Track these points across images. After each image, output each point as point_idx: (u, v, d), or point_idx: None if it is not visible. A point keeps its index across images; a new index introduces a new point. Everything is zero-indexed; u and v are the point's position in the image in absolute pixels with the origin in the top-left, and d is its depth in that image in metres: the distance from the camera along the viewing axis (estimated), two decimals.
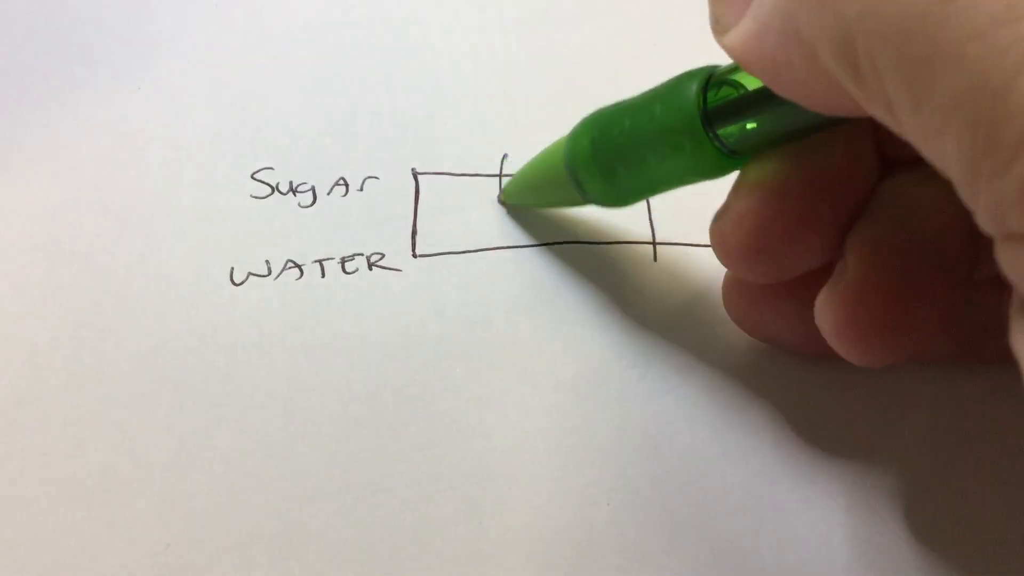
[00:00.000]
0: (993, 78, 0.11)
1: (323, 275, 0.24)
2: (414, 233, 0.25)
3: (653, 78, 0.20)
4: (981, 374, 0.22)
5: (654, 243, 0.25)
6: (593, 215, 0.25)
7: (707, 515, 0.21)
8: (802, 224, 0.19)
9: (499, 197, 0.26)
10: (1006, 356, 0.22)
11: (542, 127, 0.27)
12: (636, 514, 0.21)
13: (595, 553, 0.21)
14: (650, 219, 0.25)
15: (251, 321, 0.24)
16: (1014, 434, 0.22)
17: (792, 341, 0.22)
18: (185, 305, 0.24)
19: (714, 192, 0.20)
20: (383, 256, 0.25)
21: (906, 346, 0.19)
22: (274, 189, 0.26)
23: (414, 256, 0.25)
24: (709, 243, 0.24)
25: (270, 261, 0.25)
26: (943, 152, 0.12)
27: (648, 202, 0.25)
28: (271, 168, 0.26)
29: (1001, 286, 0.20)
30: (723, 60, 0.17)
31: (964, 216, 0.18)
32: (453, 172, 0.26)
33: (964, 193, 0.13)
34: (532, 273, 0.24)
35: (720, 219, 0.20)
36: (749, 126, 0.18)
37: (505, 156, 0.26)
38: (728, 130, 0.18)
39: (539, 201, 0.25)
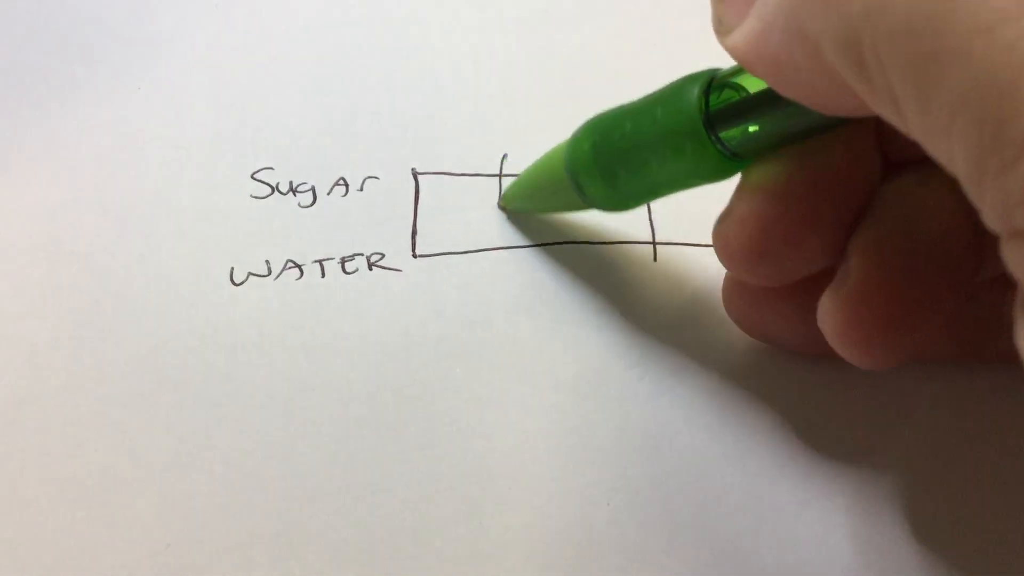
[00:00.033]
0: (1000, 74, 0.11)
1: (323, 275, 0.24)
2: (414, 233, 0.25)
3: (653, 78, 0.20)
4: (981, 374, 0.22)
5: (654, 243, 0.25)
6: (593, 215, 0.25)
7: (707, 515, 0.21)
8: (805, 226, 0.19)
9: (499, 202, 0.25)
10: (1006, 356, 0.22)
11: (542, 127, 0.27)
12: (636, 514, 0.21)
13: (595, 553, 0.21)
14: (650, 219, 0.25)
15: (251, 321, 0.24)
16: (1014, 434, 0.22)
17: (792, 341, 0.22)
18: (185, 305, 0.24)
19: (714, 193, 0.20)
20: (383, 256, 0.25)
21: (909, 348, 0.19)
22: (274, 189, 0.26)
23: (414, 256, 0.25)
24: (709, 243, 0.24)
25: (270, 261, 0.25)
26: (949, 149, 0.12)
27: (648, 203, 0.25)
28: (271, 168, 0.26)
29: (1002, 286, 0.20)
30: (724, 61, 0.17)
31: (967, 217, 0.18)
32: (453, 172, 0.26)
33: (970, 191, 0.13)
34: (532, 273, 0.24)
35: (723, 222, 0.20)
36: (751, 129, 0.18)
37: (505, 156, 0.26)
38: (730, 133, 0.18)
39: (539, 206, 0.25)
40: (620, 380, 0.23)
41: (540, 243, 0.25)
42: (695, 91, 0.18)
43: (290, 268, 0.25)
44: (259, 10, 0.29)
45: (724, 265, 0.20)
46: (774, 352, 0.23)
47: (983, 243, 0.19)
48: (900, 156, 0.19)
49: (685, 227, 0.25)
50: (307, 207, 0.26)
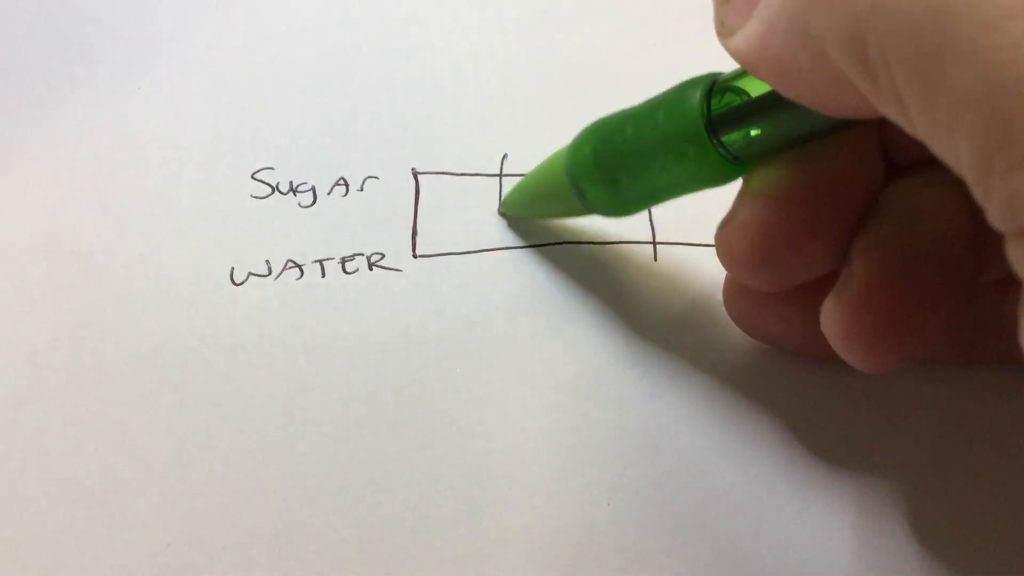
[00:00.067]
0: (1007, 71, 0.11)
1: (323, 275, 0.24)
2: (414, 233, 0.25)
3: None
4: (981, 374, 0.22)
5: (654, 243, 0.25)
6: (593, 217, 0.25)
7: (707, 515, 0.21)
8: (808, 231, 0.19)
9: (499, 209, 0.25)
10: (1006, 356, 0.22)
11: (542, 127, 0.27)
12: (636, 514, 0.21)
13: (595, 553, 0.21)
14: (650, 219, 0.25)
15: (251, 321, 0.24)
16: (1015, 435, 0.22)
17: (793, 342, 0.22)
18: (185, 305, 0.24)
19: (715, 194, 0.20)
20: (383, 256, 0.25)
21: (912, 351, 0.19)
22: (274, 189, 0.26)
23: (414, 256, 0.25)
24: (710, 243, 0.24)
25: (270, 261, 0.25)
26: (955, 148, 0.12)
27: (649, 208, 0.25)
28: (271, 168, 0.26)
29: (1002, 286, 0.20)
30: (724, 62, 0.17)
31: (968, 218, 0.18)
32: (453, 172, 0.26)
33: (976, 190, 0.12)
34: (532, 273, 0.24)
35: (725, 227, 0.20)
36: (753, 133, 0.18)
37: (505, 156, 0.26)
38: (732, 137, 0.18)
39: (540, 212, 0.25)
40: (620, 380, 0.23)
41: (540, 243, 0.25)
42: (697, 95, 0.18)
43: (290, 268, 0.25)
44: (259, 10, 0.29)
45: (727, 270, 0.20)
46: (774, 352, 0.23)
47: (984, 244, 0.19)
48: (902, 159, 0.19)
49: (685, 227, 0.25)
50: (307, 207, 0.26)
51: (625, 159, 0.20)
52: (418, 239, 0.25)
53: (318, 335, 0.24)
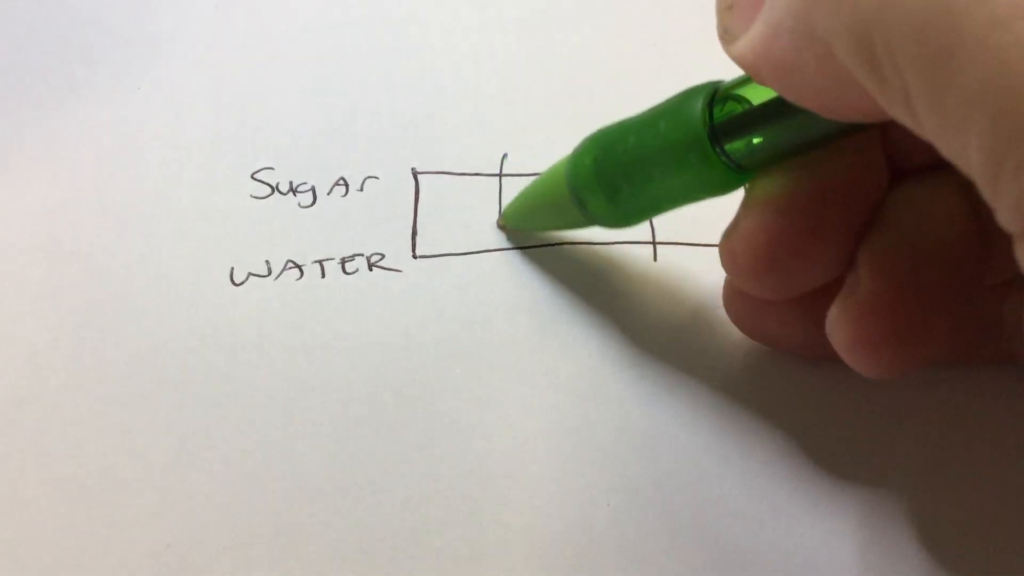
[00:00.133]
0: (1017, 68, 0.11)
1: (323, 275, 0.25)
2: (414, 234, 0.25)
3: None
4: (982, 375, 0.22)
5: (654, 243, 0.25)
6: None
7: (707, 515, 0.21)
8: (813, 238, 0.19)
9: (498, 221, 0.25)
10: (1007, 356, 0.22)
11: (542, 127, 0.27)
12: (636, 514, 0.21)
13: (595, 553, 0.21)
14: (650, 219, 0.25)
15: (251, 321, 0.24)
16: (1016, 434, 0.22)
17: (793, 343, 0.22)
18: (185, 305, 0.24)
19: (715, 198, 0.20)
20: (383, 257, 0.25)
21: (919, 356, 0.18)
22: (274, 189, 0.26)
23: (414, 257, 0.25)
24: (709, 243, 0.24)
25: (270, 261, 0.25)
26: (964, 148, 0.12)
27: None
28: (271, 168, 0.26)
29: (1004, 288, 0.20)
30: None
31: (973, 221, 0.18)
32: (453, 172, 0.26)
33: (985, 190, 0.12)
34: (532, 274, 0.24)
35: (729, 236, 0.20)
36: (756, 141, 0.18)
37: (505, 156, 0.26)
38: (735, 145, 0.18)
39: (540, 224, 0.24)
40: (620, 380, 0.23)
41: (540, 244, 0.25)
42: (699, 104, 0.18)
43: (290, 268, 0.25)
44: (259, 10, 0.29)
45: (732, 279, 0.20)
46: (774, 353, 0.23)
47: (988, 247, 0.18)
48: (905, 163, 0.19)
49: (685, 227, 0.25)
50: (307, 207, 0.26)
51: (626, 169, 0.20)
52: (418, 239, 0.25)
53: (318, 335, 0.24)
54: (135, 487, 0.22)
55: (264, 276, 0.24)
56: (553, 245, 0.25)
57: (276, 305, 0.24)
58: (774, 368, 0.23)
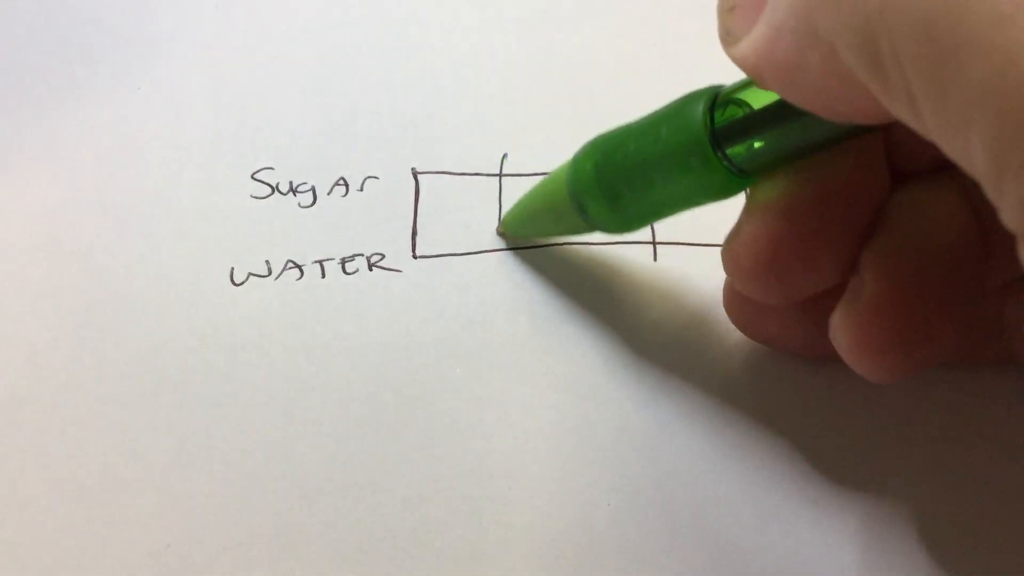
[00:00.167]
0: (1022, 66, 0.11)
1: (323, 275, 0.25)
2: (414, 234, 0.25)
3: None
4: (983, 375, 0.22)
5: (654, 243, 0.25)
6: None
7: (707, 516, 0.21)
8: (816, 242, 0.19)
9: (497, 228, 0.25)
10: (1007, 357, 0.22)
11: (542, 127, 0.27)
12: (636, 514, 0.21)
13: (595, 553, 0.21)
14: (651, 224, 0.25)
15: (251, 321, 0.24)
16: (1016, 434, 0.22)
17: (793, 344, 0.22)
18: (185, 305, 0.24)
19: None
20: (383, 257, 0.25)
21: (924, 359, 0.18)
22: (274, 189, 0.26)
23: (414, 257, 0.25)
24: (709, 243, 0.24)
25: (270, 261, 0.25)
26: (968, 147, 0.12)
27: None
28: (271, 168, 0.26)
29: (1005, 289, 0.20)
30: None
31: (975, 223, 0.18)
32: (453, 172, 0.26)
33: (989, 189, 0.12)
34: (532, 274, 0.24)
35: (732, 241, 0.20)
36: (757, 145, 0.18)
37: (505, 156, 0.26)
38: (736, 149, 0.18)
39: (540, 230, 0.24)
40: (620, 380, 0.23)
41: (540, 244, 0.25)
42: (700, 108, 0.18)
43: (290, 268, 0.25)
44: (259, 10, 0.29)
45: (735, 284, 0.20)
46: (774, 353, 0.23)
47: (990, 249, 0.18)
48: (906, 166, 0.19)
49: (685, 227, 0.25)
50: (307, 207, 0.26)
51: (627, 174, 0.20)
52: (418, 239, 0.25)
53: (318, 335, 0.24)
54: (135, 487, 0.22)
55: (264, 276, 0.24)
56: (553, 245, 0.25)
57: (276, 305, 0.24)
58: (774, 368, 0.23)
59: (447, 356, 0.23)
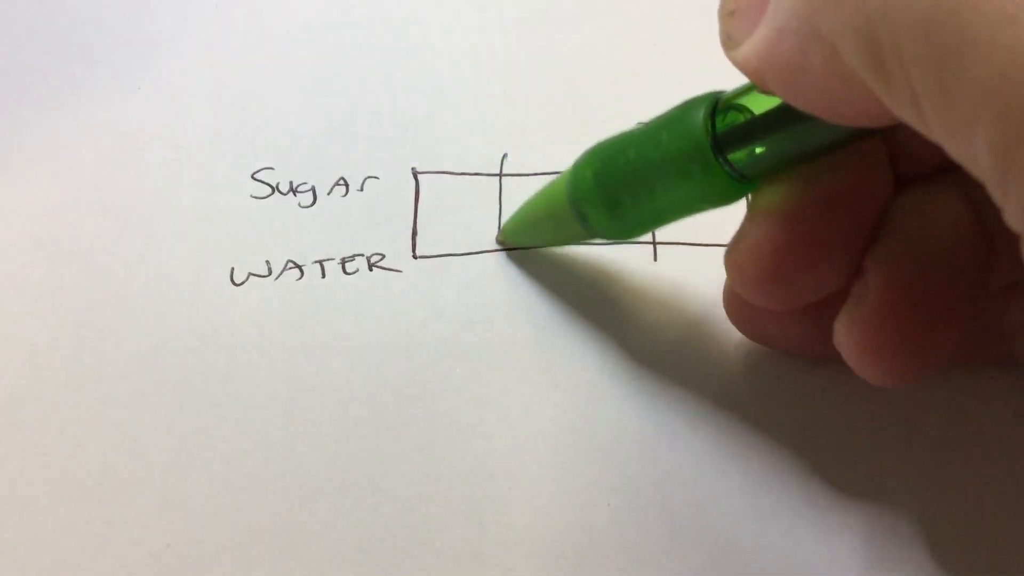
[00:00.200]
0: None
1: (323, 276, 0.25)
2: (414, 234, 0.25)
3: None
4: (983, 375, 0.22)
5: (654, 243, 0.25)
6: None
7: (707, 515, 0.21)
8: (821, 248, 0.19)
9: (497, 237, 0.25)
10: (1008, 357, 0.22)
11: (542, 127, 0.27)
12: (636, 514, 0.21)
13: (595, 553, 0.21)
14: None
15: (251, 321, 0.24)
16: (1016, 434, 0.22)
17: (793, 344, 0.22)
18: (185, 305, 0.24)
19: None
20: (383, 257, 0.25)
21: (930, 363, 0.18)
22: (274, 189, 0.26)
23: (414, 257, 0.25)
24: (709, 243, 0.24)
25: (270, 261, 0.25)
26: (972, 147, 0.12)
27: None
28: (271, 168, 0.26)
29: (1008, 291, 0.20)
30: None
31: (978, 226, 0.18)
32: (453, 172, 0.26)
33: (994, 189, 0.12)
34: (532, 274, 0.24)
35: (735, 249, 0.20)
36: (758, 150, 0.18)
37: (505, 156, 0.26)
38: (737, 155, 0.18)
39: (540, 239, 0.24)
40: (620, 380, 0.23)
41: (540, 244, 0.25)
42: (700, 114, 0.18)
43: (290, 268, 0.25)
44: (259, 10, 0.29)
45: (740, 292, 0.20)
46: (774, 353, 0.23)
47: (992, 251, 0.18)
48: (908, 170, 0.19)
49: (685, 227, 0.25)
50: (307, 207, 0.26)
51: (628, 181, 0.20)
52: (418, 239, 0.25)
53: (318, 335, 0.24)
54: (135, 487, 0.22)
55: (264, 276, 0.24)
56: (553, 245, 0.25)
57: (276, 305, 0.24)
58: (774, 368, 0.23)
59: (447, 356, 0.23)
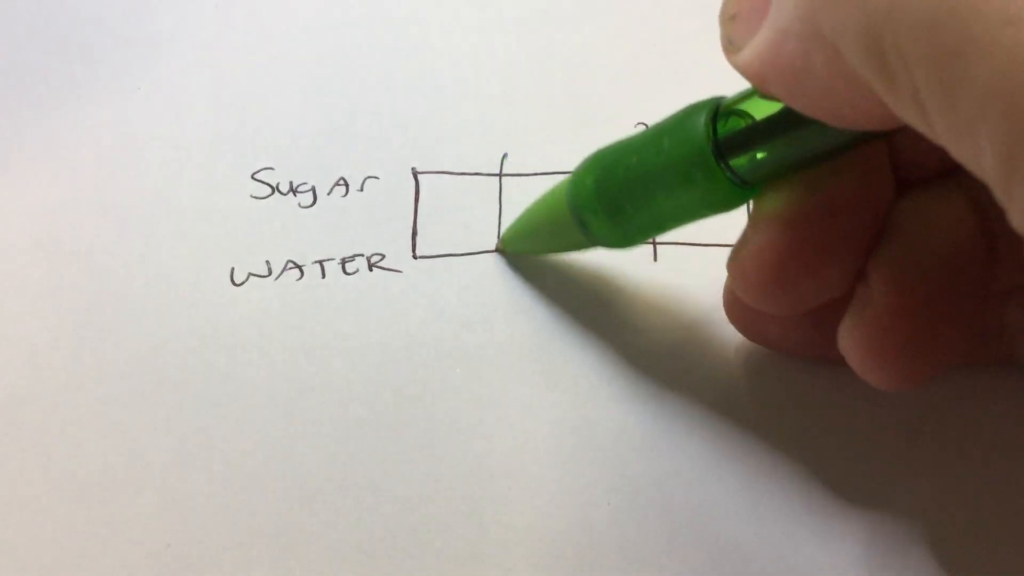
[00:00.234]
0: None
1: (323, 276, 0.25)
2: (414, 234, 0.25)
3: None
4: (983, 375, 0.22)
5: (654, 243, 0.25)
6: None
7: (707, 515, 0.21)
8: (824, 253, 0.18)
9: (497, 245, 0.25)
10: (1008, 357, 0.22)
11: (542, 127, 0.27)
12: (636, 514, 0.21)
13: (595, 553, 0.21)
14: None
15: (251, 322, 0.24)
16: (1017, 434, 0.22)
17: (793, 345, 0.22)
18: (185, 305, 0.24)
19: None
20: (383, 257, 0.25)
21: (931, 367, 0.18)
22: (274, 189, 0.26)
23: (414, 257, 0.25)
24: (710, 243, 0.24)
25: (270, 261, 0.25)
26: (976, 148, 0.12)
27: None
28: (271, 168, 0.26)
29: (1009, 293, 0.20)
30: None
31: (980, 228, 0.18)
32: (453, 172, 0.26)
33: (998, 190, 0.12)
34: (532, 274, 0.24)
35: (738, 255, 0.19)
36: (760, 155, 0.18)
37: (505, 156, 0.26)
38: (739, 161, 0.18)
39: (540, 247, 0.24)
40: (620, 380, 0.23)
41: (540, 252, 0.25)
42: (702, 119, 0.18)
43: (290, 268, 0.25)
44: (259, 10, 0.29)
45: (742, 297, 0.20)
46: (774, 354, 0.23)
47: (994, 253, 0.18)
48: (910, 174, 0.19)
49: (685, 227, 0.25)
50: (307, 207, 0.26)
51: (629, 188, 0.20)
52: (418, 239, 0.25)
53: (318, 336, 0.24)
54: (135, 487, 0.22)
55: (264, 276, 0.24)
56: None
57: (276, 305, 0.24)
58: (774, 369, 0.23)
59: (447, 356, 0.23)
